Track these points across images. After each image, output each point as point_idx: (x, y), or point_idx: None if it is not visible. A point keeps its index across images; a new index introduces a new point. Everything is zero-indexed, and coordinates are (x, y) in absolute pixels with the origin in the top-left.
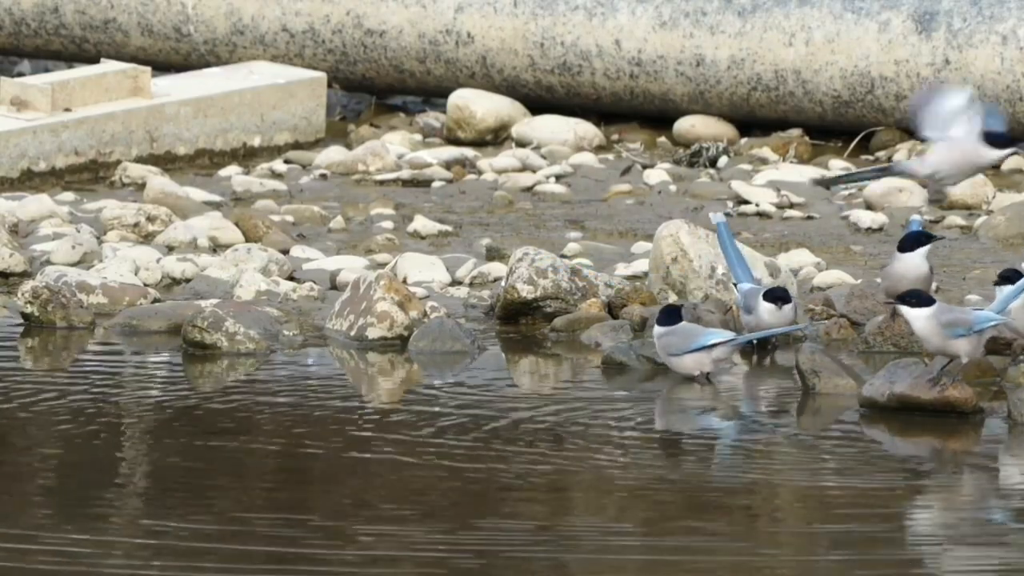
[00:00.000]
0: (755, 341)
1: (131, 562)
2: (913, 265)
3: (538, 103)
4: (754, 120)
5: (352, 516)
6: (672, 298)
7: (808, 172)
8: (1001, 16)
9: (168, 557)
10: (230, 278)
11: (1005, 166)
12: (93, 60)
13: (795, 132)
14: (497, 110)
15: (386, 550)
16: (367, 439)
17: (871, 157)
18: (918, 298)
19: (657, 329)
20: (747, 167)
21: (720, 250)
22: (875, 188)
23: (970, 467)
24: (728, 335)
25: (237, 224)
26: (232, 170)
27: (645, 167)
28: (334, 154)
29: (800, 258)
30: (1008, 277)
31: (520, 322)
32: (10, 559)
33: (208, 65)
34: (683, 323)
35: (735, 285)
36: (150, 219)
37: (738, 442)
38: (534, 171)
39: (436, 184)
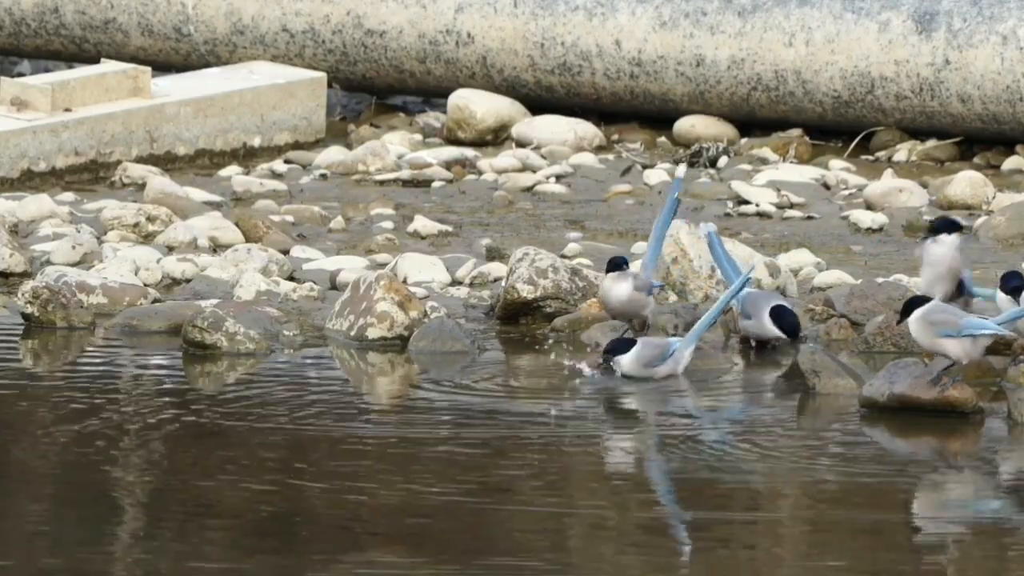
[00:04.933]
0: (754, 343)
1: (130, 563)
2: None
3: (538, 103)
4: (754, 120)
5: (352, 518)
6: (672, 298)
7: (808, 172)
8: (1001, 16)
9: (166, 558)
10: (230, 278)
11: (1005, 166)
12: (93, 60)
13: (795, 132)
14: (497, 110)
15: (386, 553)
16: (367, 440)
17: (871, 157)
18: (912, 302)
19: (626, 358)
20: (747, 167)
21: (713, 259)
22: (875, 188)
23: (970, 467)
24: (682, 339)
25: (237, 224)
26: (232, 170)
27: (645, 167)
28: (334, 154)
29: (800, 258)
30: (1008, 280)
31: (520, 322)
32: (10, 559)
33: (208, 65)
34: (642, 339)
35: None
36: (150, 219)
37: (738, 442)
38: (534, 171)
39: (436, 184)
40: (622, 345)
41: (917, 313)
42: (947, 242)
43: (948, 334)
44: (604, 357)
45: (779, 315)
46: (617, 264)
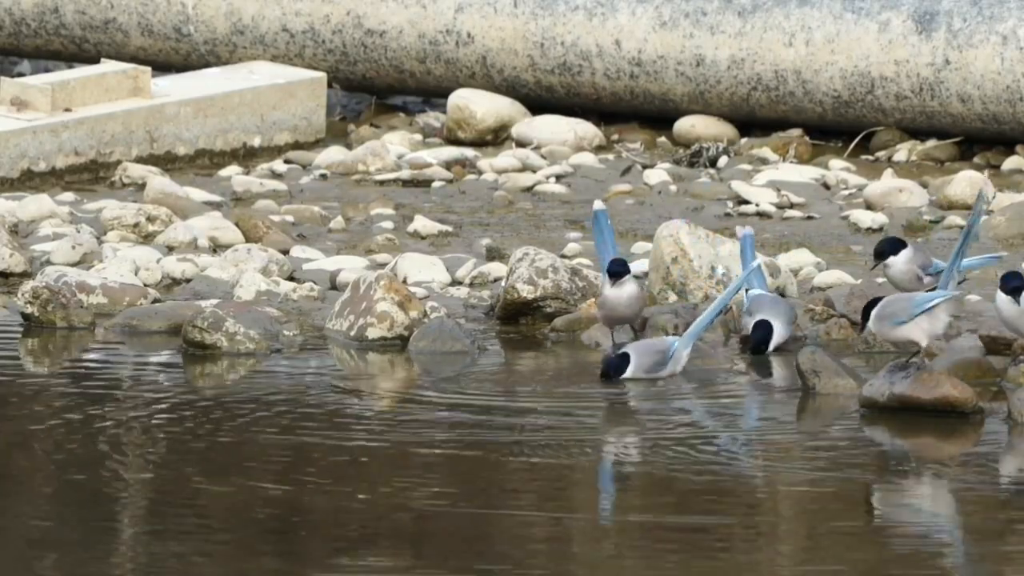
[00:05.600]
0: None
1: (129, 564)
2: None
3: (538, 103)
4: (754, 120)
5: (352, 521)
6: (672, 298)
7: (808, 172)
8: (1001, 16)
9: (166, 559)
10: (230, 278)
11: (1005, 166)
12: (93, 60)
13: (795, 132)
14: (497, 110)
15: (385, 556)
16: (368, 441)
17: (871, 157)
18: (868, 306)
19: (625, 373)
20: (747, 167)
21: (742, 260)
22: (875, 188)
23: (970, 468)
24: (680, 339)
25: (237, 224)
26: (232, 170)
27: (645, 167)
28: (334, 154)
29: (800, 258)
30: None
31: (520, 322)
32: (8, 560)
33: (208, 65)
34: (637, 344)
35: (747, 291)
36: (150, 219)
37: (737, 443)
38: (534, 171)
39: (436, 184)
40: (618, 365)
41: (872, 316)
42: (899, 263)
43: (901, 321)
44: (603, 380)
45: (756, 327)
46: (619, 272)
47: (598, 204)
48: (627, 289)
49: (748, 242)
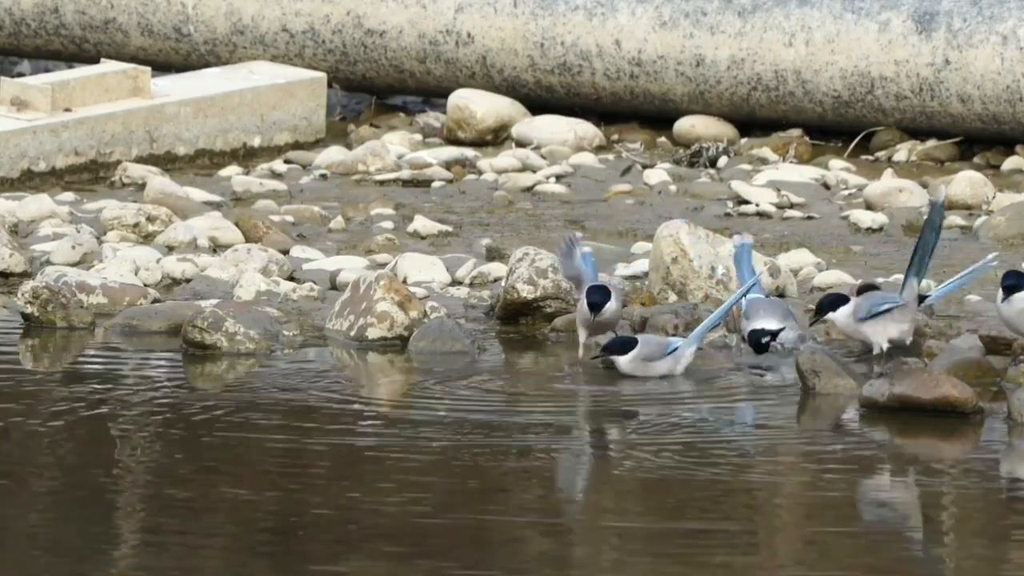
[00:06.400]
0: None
1: (128, 565)
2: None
3: (538, 103)
4: (754, 120)
5: (351, 522)
6: (672, 298)
7: (808, 172)
8: (1001, 16)
9: (164, 560)
10: (230, 278)
11: (1005, 166)
12: (93, 60)
13: (795, 132)
14: (497, 110)
15: (383, 558)
16: (368, 442)
17: (871, 157)
18: (834, 302)
19: (625, 359)
20: (747, 167)
21: (736, 267)
22: (875, 188)
23: (970, 468)
24: (684, 340)
25: (237, 224)
26: (232, 170)
27: (645, 167)
28: (334, 154)
29: (800, 258)
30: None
31: (520, 322)
32: (7, 561)
33: (208, 65)
34: (642, 336)
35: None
36: (150, 219)
37: (737, 443)
38: (534, 171)
39: (436, 184)
40: (622, 344)
41: (845, 312)
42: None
43: (861, 318)
44: (602, 355)
45: (752, 332)
46: (598, 304)
47: (587, 248)
48: (607, 312)
49: (745, 251)
